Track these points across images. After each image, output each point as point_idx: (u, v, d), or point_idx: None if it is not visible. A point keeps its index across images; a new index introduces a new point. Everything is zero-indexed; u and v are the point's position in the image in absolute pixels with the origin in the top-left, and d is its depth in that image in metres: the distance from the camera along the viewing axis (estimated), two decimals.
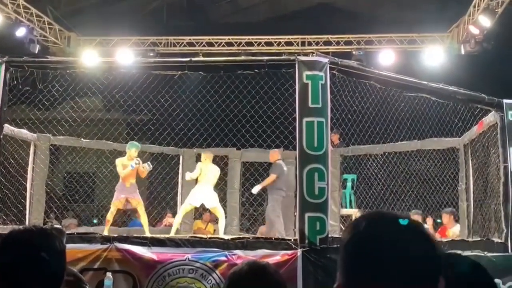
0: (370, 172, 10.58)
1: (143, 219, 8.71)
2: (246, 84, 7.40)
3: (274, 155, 9.50)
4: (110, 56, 13.38)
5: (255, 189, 9.53)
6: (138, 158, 8.70)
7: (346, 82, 7.04)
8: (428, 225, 10.16)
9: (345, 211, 10.93)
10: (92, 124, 10.51)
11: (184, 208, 9.04)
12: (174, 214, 11.66)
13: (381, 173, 10.39)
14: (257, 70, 6.78)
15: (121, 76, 7.86)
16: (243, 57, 11.29)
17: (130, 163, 8.60)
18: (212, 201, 8.85)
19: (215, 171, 9.07)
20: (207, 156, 8.98)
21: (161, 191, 11.43)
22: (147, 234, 8.02)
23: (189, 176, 9.06)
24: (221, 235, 8.43)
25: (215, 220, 12.27)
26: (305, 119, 6.23)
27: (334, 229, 9.87)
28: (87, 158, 11.31)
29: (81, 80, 7.97)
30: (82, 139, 10.40)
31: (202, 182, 8.88)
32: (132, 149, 8.74)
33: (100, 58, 12.66)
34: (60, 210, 11.16)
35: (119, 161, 8.82)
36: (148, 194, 12.32)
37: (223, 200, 11.29)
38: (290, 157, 10.52)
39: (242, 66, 6.97)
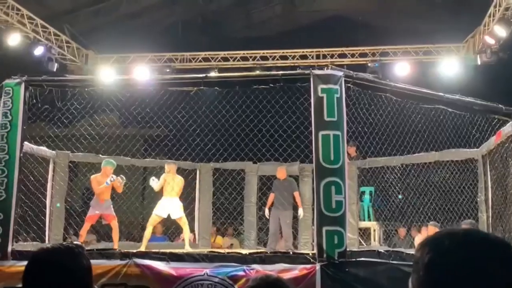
0: (388, 184, 10.52)
1: (115, 234, 9.02)
2: (262, 99, 7.42)
3: (285, 171, 9.88)
4: (127, 73, 13.54)
5: (301, 213, 9.97)
6: (113, 175, 8.90)
7: (361, 94, 7.03)
8: None
9: (364, 224, 10.87)
10: (110, 140, 10.60)
11: (152, 219, 9.19)
12: (191, 229, 11.70)
13: (399, 185, 10.32)
14: (272, 85, 6.81)
15: (138, 92, 7.93)
16: (258, 72, 11.34)
17: (105, 180, 8.79)
18: (177, 212, 9.08)
19: (180, 182, 9.44)
20: (170, 168, 9.40)
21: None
22: (116, 247, 8.35)
23: (155, 185, 9.19)
24: (186, 246, 8.56)
25: (222, 233, 12.30)
26: (321, 133, 6.23)
27: (352, 242, 9.82)
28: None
29: (99, 97, 8.05)
30: (100, 155, 10.49)
31: (167, 193, 9.12)
32: (108, 166, 9.00)
33: (117, 75, 12.80)
34: (79, 226, 11.24)
35: (93, 178, 9.07)
36: None
37: (240, 214, 11.32)
38: (307, 170, 10.53)
39: (257, 81, 7.01)
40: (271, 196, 10.16)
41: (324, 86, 6.32)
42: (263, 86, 6.94)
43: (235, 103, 7.58)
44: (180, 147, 9.15)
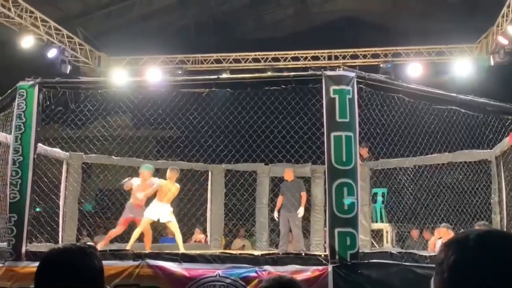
0: (400, 186, 10.47)
1: (147, 239, 9.08)
2: (273, 100, 7.42)
3: (292, 173, 9.93)
4: (139, 75, 13.61)
5: (302, 212, 9.97)
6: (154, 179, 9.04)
7: (374, 95, 7.00)
8: None
9: (376, 226, 10.83)
10: (123, 141, 10.65)
11: (143, 222, 9.05)
12: (203, 230, 11.73)
13: (411, 186, 10.27)
14: (284, 86, 6.80)
15: (150, 94, 7.96)
16: (269, 73, 11.34)
17: (144, 185, 8.93)
18: (166, 216, 8.96)
19: (176, 192, 9.19)
20: (172, 175, 8.97)
21: (190, 207, 11.49)
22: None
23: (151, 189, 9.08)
24: (181, 249, 8.46)
25: (234, 234, 12.30)
26: (333, 134, 6.21)
27: (365, 244, 9.78)
28: (118, 176, 11.46)
29: (111, 99, 8.10)
30: (113, 156, 10.55)
31: (161, 199, 8.93)
32: (145, 170, 9.02)
33: (130, 77, 12.88)
34: (92, 227, 11.29)
35: (135, 184, 9.02)
36: (178, 210, 12.40)
37: (252, 216, 11.32)
38: (319, 172, 10.51)
39: (268, 82, 7.00)
40: (280, 199, 10.23)
41: (336, 87, 6.30)
42: (275, 88, 6.93)
43: (246, 104, 7.58)
44: (192, 148, 9.19)
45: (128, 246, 8.48)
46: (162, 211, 8.92)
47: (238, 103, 7.78)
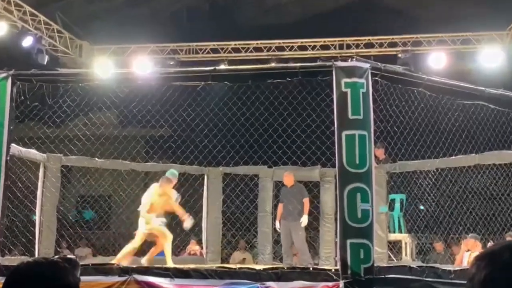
0: (421, 191, 10.46)
1: (154, 252, 9.01)
2: (278, 94, 7.43)
3: (293, 177, 9.99)
4: (126, 66, 13.58)
5: (305, 221, 9.89)
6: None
7: (391, 89, 7.00)
8: None
9: (394, 236, 10.81)
10: (107, 142, 10.66)
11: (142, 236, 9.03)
12: (199, 241, 11.73)
13: (434, 192, 10.26)
14: (289, 79, 6.81)
15: (139, 88, 7.97)
16: (273, 64, 11.36)
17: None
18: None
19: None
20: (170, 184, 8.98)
21: None
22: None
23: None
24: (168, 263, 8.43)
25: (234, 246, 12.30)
26: (344, 133, 6.22)
27: (381, 257, 9.76)
28: (102, 180, 11.47)
29: (94, 93, 8.11)
30: (96, 158, 10.56)
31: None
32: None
33: (116, 68, 12.88)
34: (72, 238, 11.32)
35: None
36: (169, 219, 12.40)
37: (253, 225, 11.32)
38: (329, 175, 10.50)
39: (272, 74, 7.01)
40: (280, 207, 10.19)
41: (348, 80, 6.31)
42: (279, 80, 6.94)
43: (247, 99, 7.59)
44: (186, 149, 9.19)
45: (115, 260, 8.52)
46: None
47: (238, 98, 7.79)
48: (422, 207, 10.56)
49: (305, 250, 9.90)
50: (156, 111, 8.56)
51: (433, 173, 10.18)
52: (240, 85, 7.40)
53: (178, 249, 11.87)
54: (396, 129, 7.90)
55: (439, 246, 11.33)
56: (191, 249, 11.76)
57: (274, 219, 11.04)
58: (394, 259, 10.57)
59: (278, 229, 10.23)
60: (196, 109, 8.24)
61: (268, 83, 7.11)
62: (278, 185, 11.30)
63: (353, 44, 14.63)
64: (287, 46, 14.79)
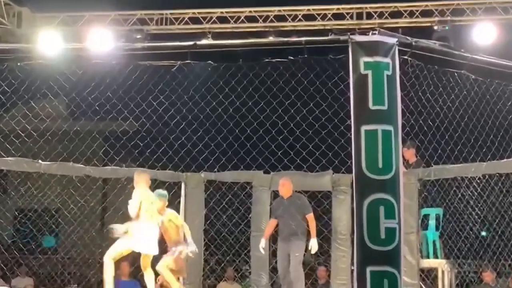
0: (463, 205, 10.48)
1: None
2: (277, 78, 7.42)
3: (291, 186, 9.91)
4: (79, 41, 13.59)
5: (315, 246, 9.76)
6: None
7: (424, 72, 7.00)
8: None
9: (427, 263, 10.83)
10: (54, 139, 10.63)
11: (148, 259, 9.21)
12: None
13: (480, 205, 10.27)
14: (292, 58, 6.80)
15: (95, 69, 7.95)
16: (271, 39, 11.36)
17: None
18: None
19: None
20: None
21: None
22: None
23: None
24: None
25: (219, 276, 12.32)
26: (364, 128, 6.22)
27: None
28: (48, 189, 11.43)
29: (38, 75, 8.09)
30: (40, 161, 10.53)
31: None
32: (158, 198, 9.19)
33: (65, 43, 12.84)
34: (9, 265, 11.29)
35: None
36: None
37: (244, 248, 11.30)
38: (343, 183, 10.50)
39: (270, 52, 7.00)
40: (271, 224, 10.09)
41: (369, 60, 6.31)
42: (279, 60, 6.94)
43: (237, 84, 7.58)
44: (157, 149, 9.17)
45: None
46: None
47: (225, 83, 7.78)
48: (484, 233, 10.54)
49: (300, 278, 9.72)
50: (118, 99, 8.54)
51: (479, 181, 10.19)
52: (228, 65, 7.38)
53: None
54: (430, 124, 7.90)
55: (488, 276, 11.30)
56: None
57: (273, 241, 11.03)
58: None
59: (262, 250, 10.11)
60: (171, 96, 8.21)
61: (264, 63, 7.10)
62: (277, 196, 11.30)
63: (375, 13, 14.65)
64: (290, 15, 14.80)
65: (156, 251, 9.22)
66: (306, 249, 9.83)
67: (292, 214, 9.73)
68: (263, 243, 9.97)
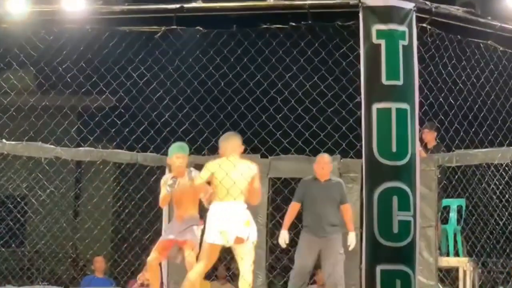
0: (489, 195, 10.50)
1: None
2: (276, 47, 7.39)
3: (330, 166, 9.72)
4: (49, 3, 13.49)
5: (354, 241, 9.61)
6: (176, 178, 8.67)
7: (446, 42, 6.99)
8: None
9: (447, 261, 10.86)
10: (20, 115, 10.59)
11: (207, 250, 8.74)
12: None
13: (507, 196, 10.30)
14: (294, 24, 6.79)
15: (67, 35, 7.93)
16: (270, 1, 11.31)
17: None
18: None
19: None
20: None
21: (133, 227, 11.47)
22: None
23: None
24: None
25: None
26: (376, 106, 6.23)
27: None
28: (13, 173, 11.43)
29: (0, 42, 8.06)
30: (4, 140, 10.52)
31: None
32: (172, 155, 8.74)
33: (32, 4, 12.77)
34: None
35: (162, 182, 8.82)
36: (111, 232, 12.38)
37: None
38: (352, 170, 10.51)
39: (268, 16, 6.98)
40: (294, 208, 9.86)
41: (383, 27, 6.31)
42: (279, 26, 6.92)
43: (230, 54, 7.56)
44: (137, 127, 9.15)
45: None
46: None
47: (216, 52, 7.75)
48: None
49: (341, 283, 9.51)
50: (93, 70, 8.51)
51: (506, 168, 10.20)
52: (220, 32, 7.36)
53: (124, 276, 11.91)
54: (452, 102, 7.89)
55: None
56: (144, 277, 11.77)
57: (270, 235, 11.02)
58: None
59: (283, 243, 9.85)
60: (153, 67, 8.18)
61: (261, 30, 7.08)
62: (277, 184, 11.29)
63: None
64: None
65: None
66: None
67: (329, 200, 9.58)
68: (285, 236, 9.65)
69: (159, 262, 8.95)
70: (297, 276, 9.51)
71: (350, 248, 9.56)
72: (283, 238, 9.64)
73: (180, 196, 8.67)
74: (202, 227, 8.64)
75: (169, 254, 8.82)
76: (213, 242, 7.97)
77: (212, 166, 7.96)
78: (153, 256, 8.65)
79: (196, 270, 8.24)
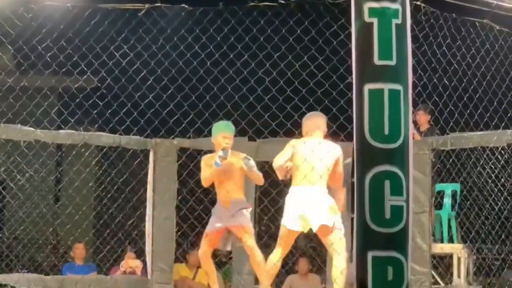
0: (484, 179, 10.54)
1: (256, 266, 8.57)
2: (264, 25, 7.38)
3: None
4: None
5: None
6: (227, 149, 8.47)
7: (440, 21, 6.99)
8: None
9: (441, 248, 10.90)
10: None
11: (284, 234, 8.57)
12: (140, 252, 11.73)
13: (504, 179, 10.33)
14: (283, 1, 6.77)
15: (48, 13, 7.90)
16: None
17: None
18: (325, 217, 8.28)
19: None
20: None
21: (116, 213, 11.46)
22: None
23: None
24: None
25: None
26: (367, 86, 6.20)
27: (421, 278, 9.83)
28: None
29: None
30: None
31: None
32: (218, 134, 8.67)
33: None
34: None
35: (203, 162, 8.85)
36: (93, 218, 12.38)
37: None
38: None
39: None
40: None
41: (375, 5, 6.28)
42: (267, 3, 6.90)
43: (216, 33, 7.54)
44: (120, 109, 9.13)
45: None
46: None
47: (202, 31, 7.73)
48: None
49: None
50: (74, 49, 8.48)
51: (503, 152, 10.23)
52: (206, 10, 7.34)
53: (107, 263, 11.92)
54: (447, 83, 7.90)
55: None
56: (127, 264, 11.78)
57: (258, 220, 11.05)
58: (440, 282, 10.68)
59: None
60: (136, 47, 8.16)
61: (249, 8, 7.06)
62: (265, 167, 11.30)
63: None
64: None
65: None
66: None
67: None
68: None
69: (211, 254, 8.94)
70: None
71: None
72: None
73: (223, 179, 8.63)
74: (251, 209, 8.81)
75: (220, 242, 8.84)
76: (292, 228, 8.00)
77: (297, 144, 8.05)
78: (204, 250, 8.69)
79: (273, 258, 8.26)
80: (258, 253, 8.44)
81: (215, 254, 12.55)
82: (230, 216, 8.53)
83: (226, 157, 8.35)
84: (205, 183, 8.85)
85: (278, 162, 8.36)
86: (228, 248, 9.11)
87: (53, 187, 13.02)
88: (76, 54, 8.59)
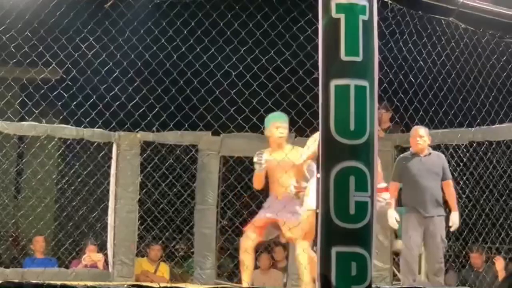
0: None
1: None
2: (231, 20, 7.36)
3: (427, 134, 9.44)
4: None
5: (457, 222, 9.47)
6: (261, 153, 8.44)
7: (407, 18, 7.01)
8: None
9: (402, 245, 10.94)
10: None
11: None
12: (102, 245, 11.66)
13: (466, 177, 10.37)
14: None
15: (12, 2, 7.84)
16: None
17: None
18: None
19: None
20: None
21: (79, 206, 11.40)
22: None
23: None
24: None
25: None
26: (334, 82, 6.20)
27: (383, 274, 9.87)
28: None
29: None
30: None
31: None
32: (270, 124, 8.52)
33: None
34: None
35: (256, 158, 8.60)
36: (55, 210, 12.29)
37: (187, 223, 11.32)
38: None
39: None
40: (395, 188, 9.68)
41: (343, 1, 6.27)
42: None
43: (184, 26, 7.51)
44: (85, 101, 9.07)
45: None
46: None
47: (169, 24, 7.70)
48: None
49: (443, 268, 9.50)
50: (39, 40, 8.40)
51: (465, 149, 10.28)
52: (173, 3, 7.31)
53: (68, 256, 11.84)
54: (412, 80, 7.93)
55: (476, 258, 11.31)
56: (89, 258, 11.70)
57: (221, 215, 11.04)
58: (401, 277, 10.72)
59: (395, 222, 9.55)
60: (102, 38, 8.10)
61: (216, 2, 7.04)
62: (229, 162, 11.29)
63: None
64: None
65: None
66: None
67: (432, 177, 9.46)
68: (394, 214, 9.48)
69: (254, 246, 8.67)
70: (411, 259, 9.48)
71: (452, 229, 9.57)
72: (393, 217, 9.51)
73: (274, 172, 8.51)
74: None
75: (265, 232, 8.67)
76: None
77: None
78: (251, 238, 8.51)
79: (310, 252, 8.07)
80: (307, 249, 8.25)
81: (178, 250, 12.55)
82: (280, 209, 8.36)
83: (261, 163, 8.34)
84: (256, 186, 8.76)
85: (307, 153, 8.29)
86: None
87: (15, 178, 12.88)
88: (40, 45, 8.51)
